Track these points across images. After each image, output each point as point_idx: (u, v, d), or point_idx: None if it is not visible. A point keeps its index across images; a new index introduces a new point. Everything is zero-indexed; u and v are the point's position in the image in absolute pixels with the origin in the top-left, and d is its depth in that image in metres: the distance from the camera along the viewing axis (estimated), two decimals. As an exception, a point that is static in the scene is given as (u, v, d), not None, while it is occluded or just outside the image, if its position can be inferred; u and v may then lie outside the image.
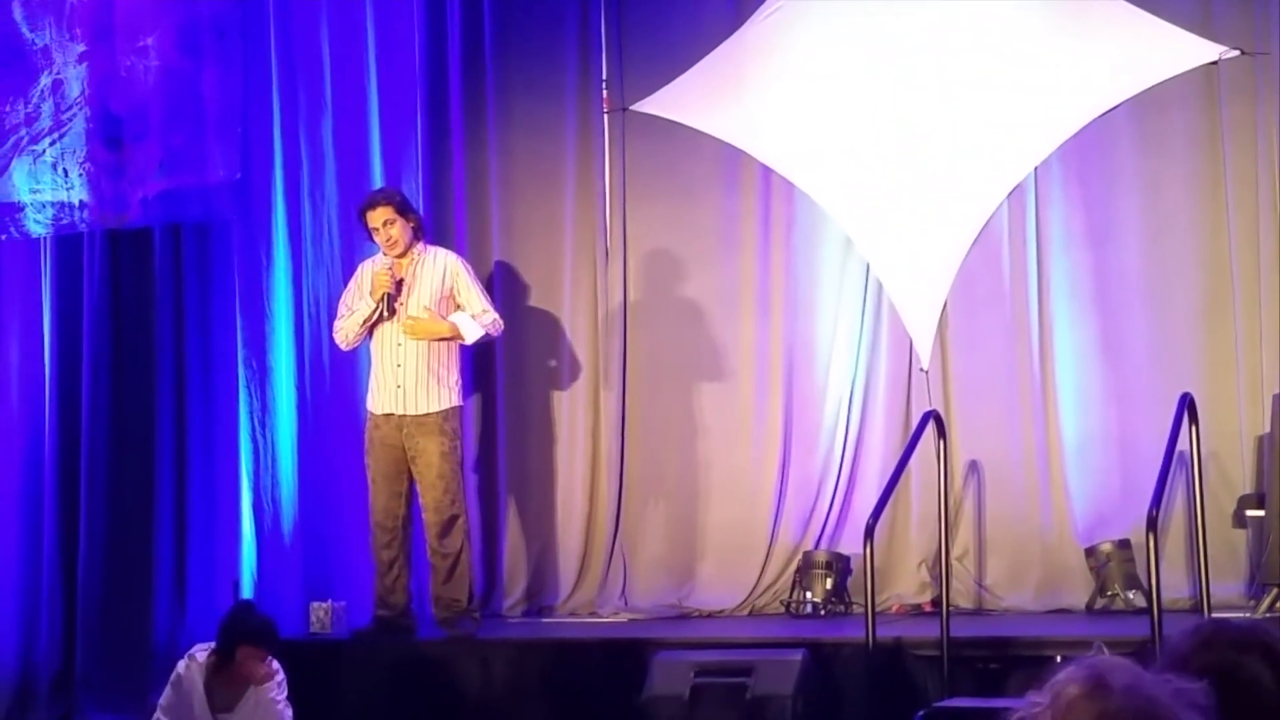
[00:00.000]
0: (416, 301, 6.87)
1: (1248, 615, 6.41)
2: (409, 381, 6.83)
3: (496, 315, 6.99)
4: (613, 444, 7.92)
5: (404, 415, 6.83)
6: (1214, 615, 5.52)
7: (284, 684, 5.95)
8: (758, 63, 7.79)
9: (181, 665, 5.98)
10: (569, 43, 8.10)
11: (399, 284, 6.88)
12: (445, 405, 6.85)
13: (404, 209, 6.91)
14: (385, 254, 6.92)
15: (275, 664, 5.97)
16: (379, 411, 6.90)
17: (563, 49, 8.11)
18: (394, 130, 7.94)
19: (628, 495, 7.92)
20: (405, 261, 6.92)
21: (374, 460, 6.91)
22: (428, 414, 6.82)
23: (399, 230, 6.85)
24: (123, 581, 7.46)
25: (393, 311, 6.87)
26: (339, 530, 7.46)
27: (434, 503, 6.81)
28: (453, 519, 6.83)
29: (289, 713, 5.92)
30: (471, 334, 6.91)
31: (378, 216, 6.87)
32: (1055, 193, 7.50)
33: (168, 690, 5.97)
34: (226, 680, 5.90)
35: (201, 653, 5.98)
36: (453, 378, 6.90)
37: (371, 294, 6.88)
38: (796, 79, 7.75)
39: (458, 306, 6.95)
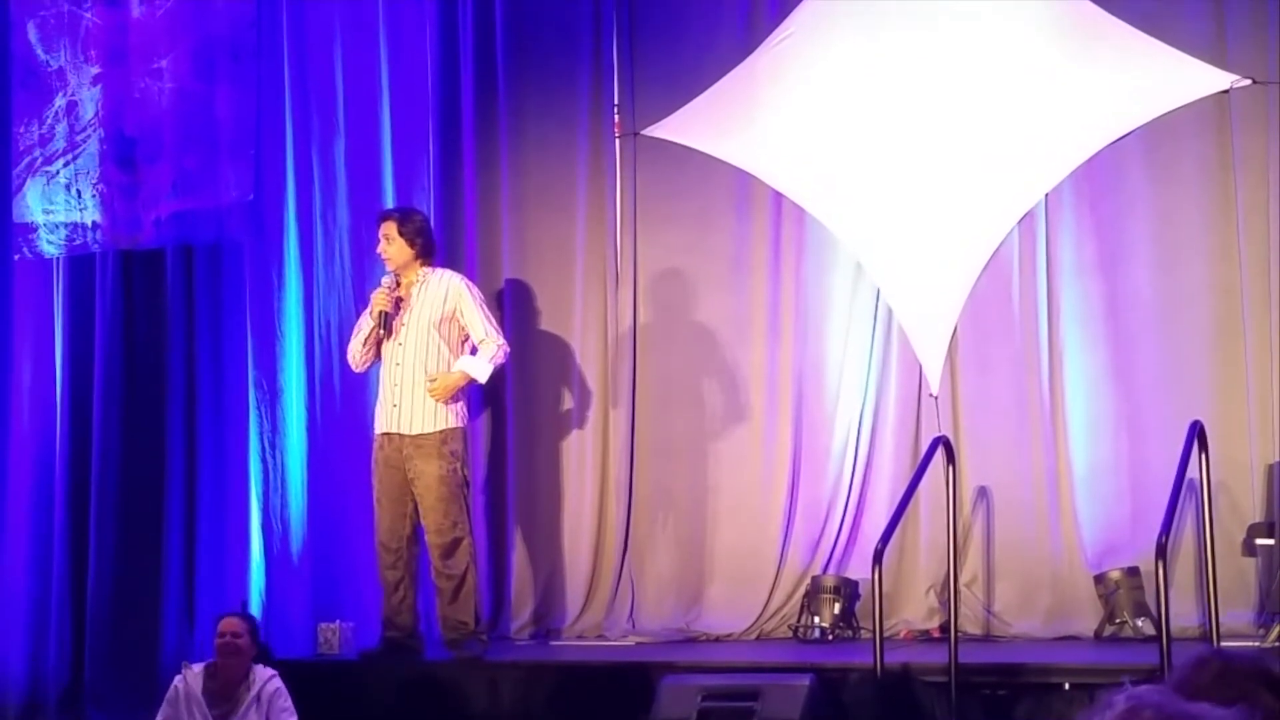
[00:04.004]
0: (416, 322, 6.89)
1: (1256, 644, 6.41)
2: (405, 400, 6.84)
3: (501, 341, 6.98)
4: (621, 467, 7.93)
5: (403, 435, 6.84)
6: (1211, 645, 5.53)
7: (285, 693, 6.00)
8: (769, 88, 7.82)
9: (177, 679, 6.08)
10: (581, 67, 8.14)
11: (397, 303, 6.91)
12: (444, 426, 6.83)
13: (406, 229, 6.92)
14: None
15: (273, 674, 6.02)
16: (380, 431, 6.92)
17: (575, 73, 8.14)
18: (406, 153, 7.98)
19: (636, 518, 7.93)
20: (406, 282, 6.95)
21: (378, 481, 6.92)
22: (426, 435, 6.82)
23: (395, 249, 6.90)
24: (132, 598, 7.48)
25: (390, 331, 6.89)
26: (347, 551, 7.47)
27: (435, 525, 6.81)
28: (456, 541, 6.82)
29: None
30: (483, 374, 6.93)
31: (382, 229, 6.96)
32: (1066, 219, 7.50)
33: (163, 707, 6.04)
34: (222, 687, 5.95)
35: (197, 665, 6.09)
36: (453, 398, 6.90)
37: (370, 312, 6.92)
38: (807, 105, 7.77)
39: (461, 328, 6.96)
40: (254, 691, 5.94)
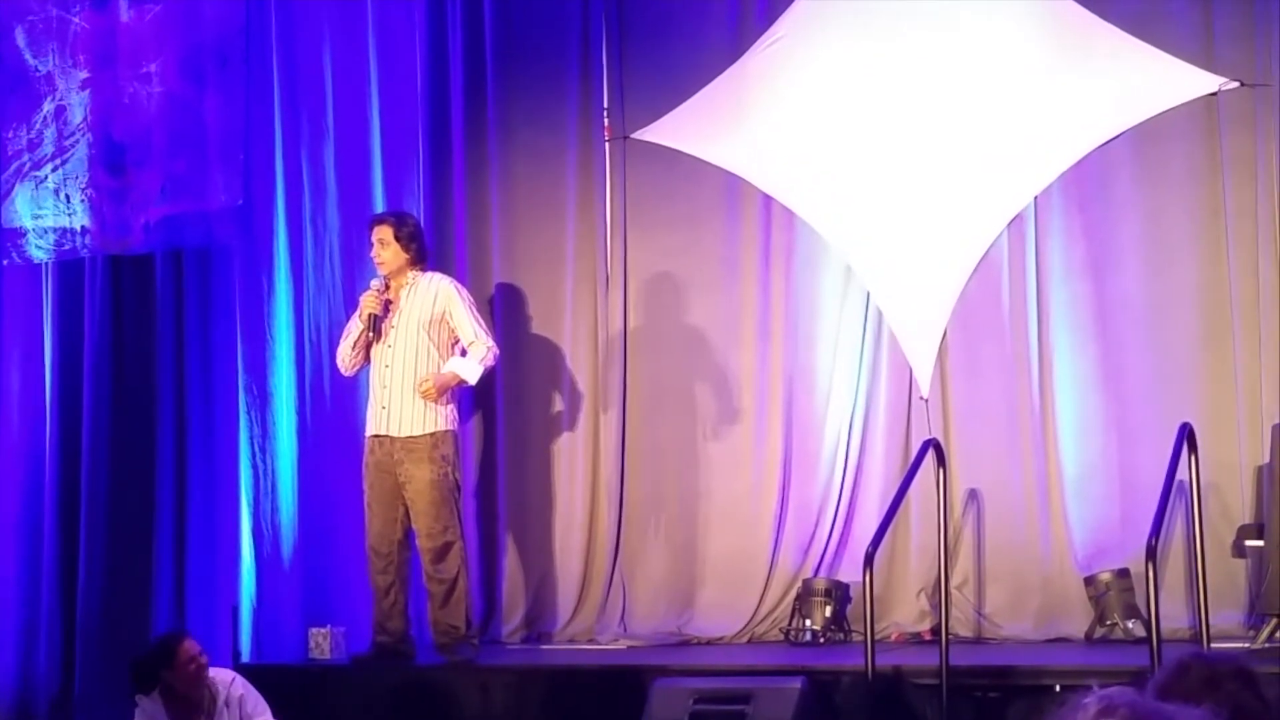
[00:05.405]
0: (405, 324, 6.89)
1: (1246, 646, 6.42)
2: (394, 402, 6.84)
3: (491, 343, 6.97)
4: (612, 470, 7.93)
5: (393, 438, 6.83)
6: (1192, 648, 5.53)
7: (252, 690, 5.92)
8: (758, 91, 7.82)
9: (137, 714, 5.84)
10: (570, 70, 8.14)
11: (386, 306, 6.91)
12: (434, 428, 6.82)
13: (401, 233, 6.93)
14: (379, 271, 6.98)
15: (233, 676, 5.95)
16: (370, 434, 6.93)
17: (564, 76, 8.14)
18: (396, 157, 7.97)
19: (627, 522, 7.93)
20: (397, 285, 6.95)
21: (369, 485, 6.92)
22: (416, 437, 6.81)
23: (389, 254, 6.91)
24: (122, 604, 7.46)
25: (379, 334, 6.89)
26: (338, 555, 7.46)
27: (426, 529, 6.81)
28: (447, 545, 6.81)
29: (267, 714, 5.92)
30: (472, 375, 6.93)
31: (376, 233, 6.97)
32: (1055, 222, 7.52)
33: None
34: (189, 708, 5.84)
35: (149, 695, 5.85)
36: (443, 400, 6.89)
37: (359, 315, 6.93)
38: (797, 108, 7.77)
39: (451, 331, 6.96)
40: (222, 699, 5.84)
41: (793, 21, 7.81)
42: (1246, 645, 6.46)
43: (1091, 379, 7.43)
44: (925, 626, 7.36)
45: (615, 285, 8.03)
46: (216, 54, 7.63)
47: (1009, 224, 7.54)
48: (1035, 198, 7.50)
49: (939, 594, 6.51)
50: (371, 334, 6.90)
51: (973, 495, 7.49)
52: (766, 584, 7.65)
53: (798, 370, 7.79)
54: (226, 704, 5.85)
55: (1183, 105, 7.28)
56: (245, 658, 7.06)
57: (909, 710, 6.04)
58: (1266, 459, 6.94)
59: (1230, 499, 7.15)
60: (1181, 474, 6.20)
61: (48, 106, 7.81)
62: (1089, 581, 7.18)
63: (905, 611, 7.46)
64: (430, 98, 8.18)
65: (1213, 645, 5.94)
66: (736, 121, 7.84)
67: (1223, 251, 7.25)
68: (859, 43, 7.69)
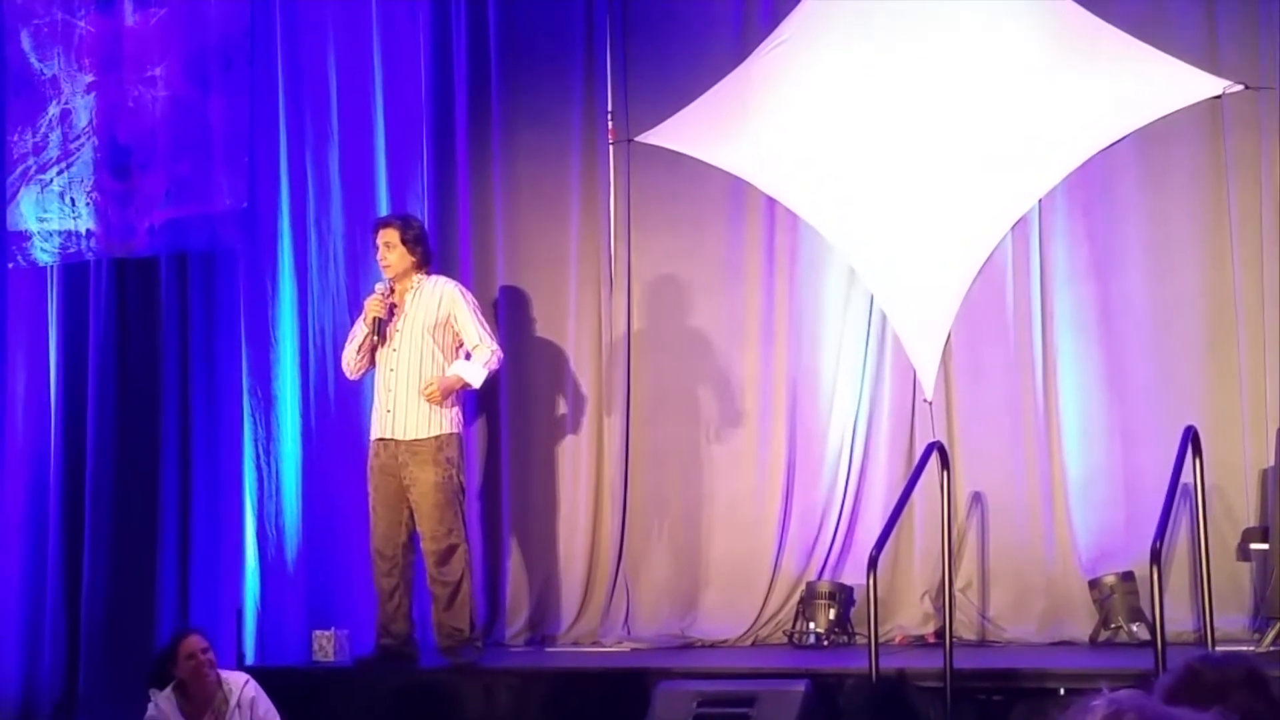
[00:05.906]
0: (410, 327, 6.90)
1: (1251, 649, 6.41)
2: (398, 405, 6.85)
3: (495, 347, 6.97)
4: (616, 473, 7.93)
5: (398, 441, 6.84)
6: (1199, 652, 5.53)
7: (264, 695, 5.96)
8: (762, 95, 7.82)
9: (150, 708, 5.91)
10: (575, 74, 8.14)
11: (391, 309, 6.92)
12: (439, 431, 6.83)
13: (408, 236, 6.94)
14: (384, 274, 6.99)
15: (246, 678, 5.97)
16: (375, 437, 6.93)
17: (568, 80, 8.15)
18: (400, 160, 7.98)
19: (631, 525, 7.93)
20: (401, 288, 6.96)
21: (374, 488, 6.92)
22: (421, 440, 6.81)
23: (396, 257, 6.91)
24: (126, 607, 7.46)
25: (384, 337, 6.90)
26: (342, 558, 7.47)
27: (431, 532, 6.81)
28: (451, 548, 6.82)
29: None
30: (476, 378, 6.93)
31: (382, 236, 6.97)
32: (1059, 225, 7.52)
33: None
34: (199, 706, 5.87)
35: (164, 690, 5.91)
36: (448, 403, 6.90)
37: (363, 319, 6.94)
38: (801, 111, 7.78)
39: (455, 334, 6.96)
40: (234, 700, 5.87)
41: (797, 25, 7.81)
42: (1251, 648, 6.46)
43: (1095, 381, 7.43)
44: (929, 629, 7.36)
45: (619, 288, 8.04)
46: (221, 57, 7.63)
47: (1013, 226, 7.54)
48: (1039, 200, 7.50)
49: (943, 597, 6.52)
50: (376, 337, 6.90)
51: (977, 498, 7.49)
52: (770, 586, 7.65)
53: (801, 372, 7.80)
54: (239, 705, 5.89)
55: (1187, 108, 7.28)
56: (249, 660, 7.06)
57: (913, 713, 6.04)
58: (1271, 462, 6.94)
59: (1234, 502, 7.15)
60: (1186, 477, 6.21)
61: (53, 110, 7.82)
62: (1093, 584, 7.18)
63: (909, 614, 7.46)
64: (434, 100, 8.19)
65: (1217, 648, 5.94)
66: (740, 124, 7.84)
67: (1227, 254, 7.25)
68: (863, 46, 7.69)
